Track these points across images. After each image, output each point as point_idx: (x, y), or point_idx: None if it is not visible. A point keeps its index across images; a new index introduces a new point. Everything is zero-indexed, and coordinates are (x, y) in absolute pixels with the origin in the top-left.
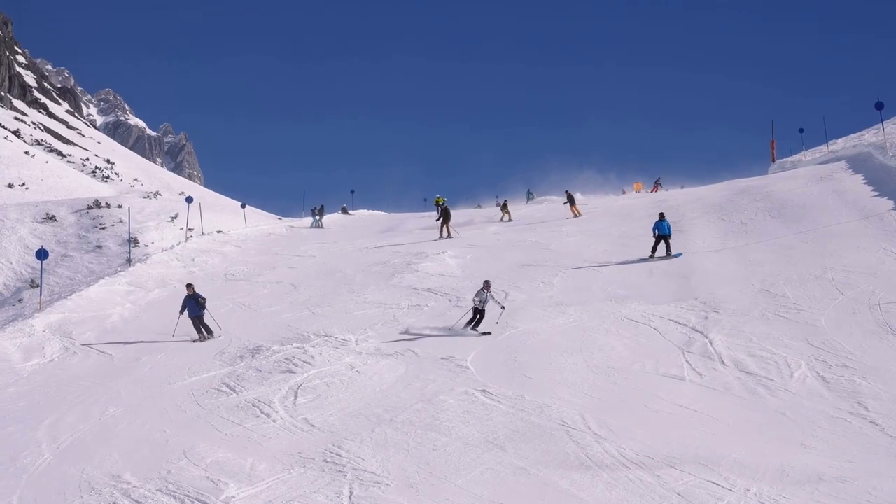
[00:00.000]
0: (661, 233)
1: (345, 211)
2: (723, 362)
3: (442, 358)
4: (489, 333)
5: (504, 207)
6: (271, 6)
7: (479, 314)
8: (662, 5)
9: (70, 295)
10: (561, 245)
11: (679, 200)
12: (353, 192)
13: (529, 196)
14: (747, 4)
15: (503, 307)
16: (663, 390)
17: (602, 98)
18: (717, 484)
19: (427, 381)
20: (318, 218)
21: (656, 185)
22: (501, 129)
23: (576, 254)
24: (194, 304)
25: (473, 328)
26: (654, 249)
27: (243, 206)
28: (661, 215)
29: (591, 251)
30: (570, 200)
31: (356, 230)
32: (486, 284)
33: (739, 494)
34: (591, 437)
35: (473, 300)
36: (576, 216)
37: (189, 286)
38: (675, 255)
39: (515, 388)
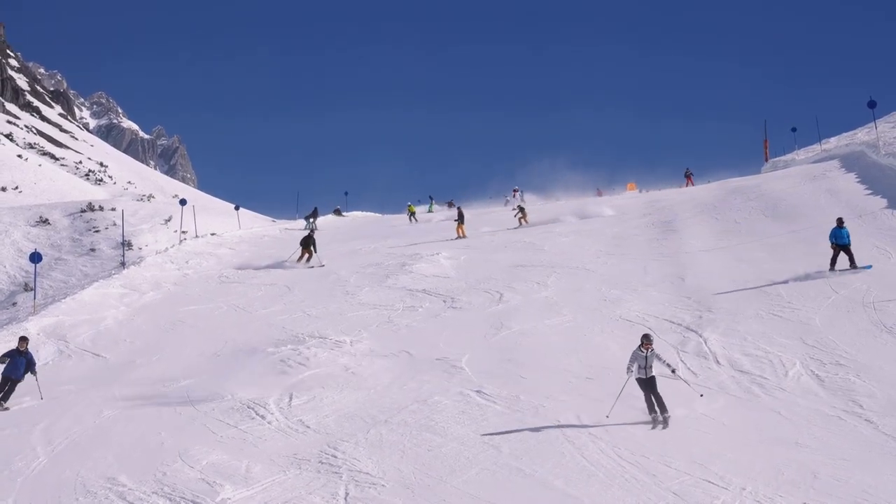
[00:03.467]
0: (841, 242)
1: (338, 213)
2: (717, 361)
3: (437, 359)
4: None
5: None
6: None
7: (649, 390)
8: None
9: (64, 298)
10: (554, 245)
11: (673, 200)
12: (346, 193)
13: (430, 204)
14: None
15: (674, 370)
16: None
17: (590, 85)
18: (712, 483)
19: (422, 382)
20: (311, 221)
21: (689, 178)
22: (490, 116)
23: (569, 254)
24: (21, 365)
25: (661, 412)
26: (833, 262)
27: (237, 208)
28: (840, 221)
29: (584, 252)
30: (460, 218)
31: (350, 232)
32: (646, 341)
33: (735, 493)
34: (586, 437)
35: (629, 369)
36: (459, 237)
37: (23, 340)
38: (865, 267)
39: (511, 388)
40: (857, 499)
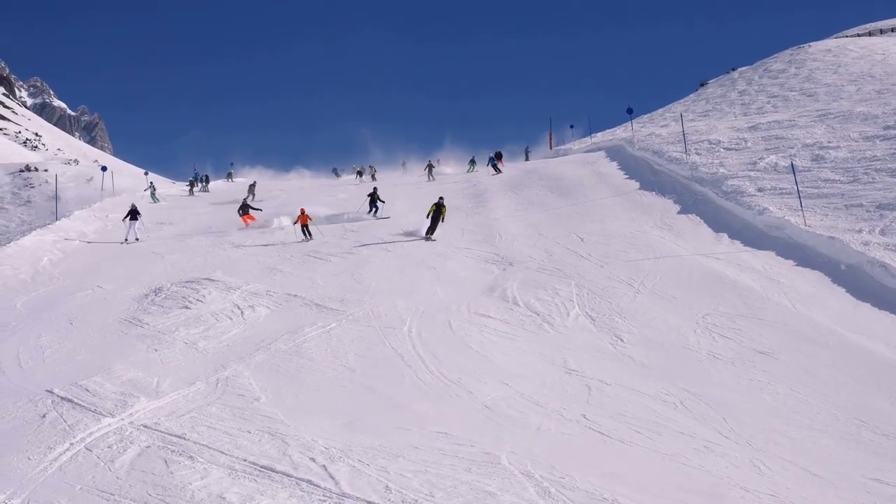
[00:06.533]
0: None
1: (230, 177)
2: (517, 304)
3: (304, 298)
4: None
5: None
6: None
7: None
8: None
9: (9, 243)
10: (396, 210)
11: (485, 180)
12: (231, 163)
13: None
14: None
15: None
16: (475, 326)
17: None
18: (513, 398)
19: (292, 316)
20: (204, 184)
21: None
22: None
23: (408, 217)
24: None
25: None
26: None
27: (146, 173)
28: None
29: (419, 216)
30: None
31: (239, 194)
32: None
33: (531, 405)
34: (419, 363)
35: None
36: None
37: None
38: None
39: (364, 318)
40: (619, 410)
